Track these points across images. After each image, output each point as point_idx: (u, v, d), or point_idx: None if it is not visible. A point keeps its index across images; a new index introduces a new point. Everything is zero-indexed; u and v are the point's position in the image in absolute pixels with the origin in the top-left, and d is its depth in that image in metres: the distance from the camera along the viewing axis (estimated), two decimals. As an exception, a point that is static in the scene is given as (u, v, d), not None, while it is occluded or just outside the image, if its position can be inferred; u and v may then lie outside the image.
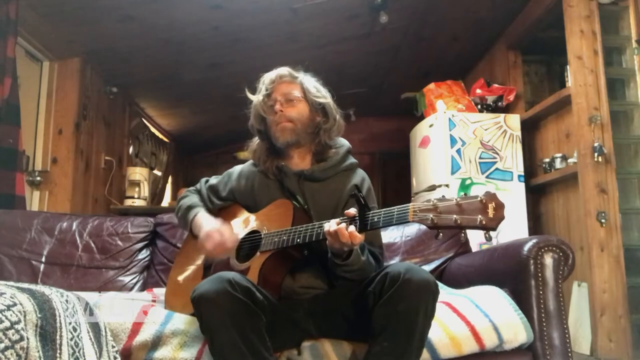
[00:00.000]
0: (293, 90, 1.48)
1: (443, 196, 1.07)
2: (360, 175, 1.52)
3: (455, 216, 1.02)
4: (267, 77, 1.50)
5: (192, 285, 1.44)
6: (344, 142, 1.56)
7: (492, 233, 1.02)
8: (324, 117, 1.49)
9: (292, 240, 1.27)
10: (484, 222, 0.99)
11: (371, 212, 1.18)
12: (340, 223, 1.19)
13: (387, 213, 1.14)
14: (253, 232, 1.42)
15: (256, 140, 1.57)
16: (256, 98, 1.50)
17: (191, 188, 1.67)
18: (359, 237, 1.18)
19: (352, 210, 1.20)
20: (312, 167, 1.47)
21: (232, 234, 1.40)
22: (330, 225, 1.20)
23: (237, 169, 1.62)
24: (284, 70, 1.50)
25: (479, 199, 1.01)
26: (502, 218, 1.00)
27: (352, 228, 1.17)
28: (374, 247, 1.42)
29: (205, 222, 1.45)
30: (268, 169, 1.50)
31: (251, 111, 1.53)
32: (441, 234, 1.07)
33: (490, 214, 1.00)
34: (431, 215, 1.05)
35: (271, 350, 1.15)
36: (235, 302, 1.09)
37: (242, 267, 1.34)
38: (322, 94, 1.51)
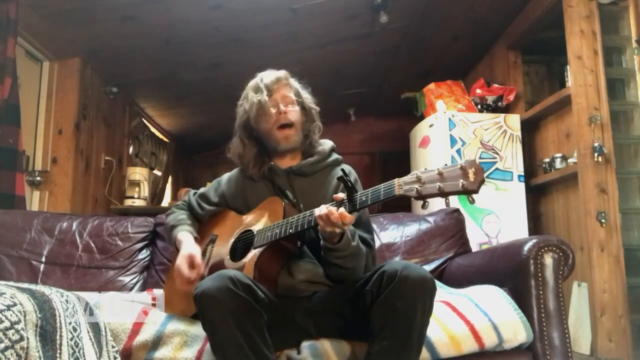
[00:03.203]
0: (290, 94, 1.51)
1: (425, 168, 1.12)
2: (346, 168, 1.54)
3: (438, 184, 1.06)
4: (267, 78, 1.50)
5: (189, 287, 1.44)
6: (327, 141, 1.61)
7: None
8: (311, 120, 1.54)
9: (285, 231, 1.29)
10: (466, 186, 1.03)
11: (359, 192, 1.20)
12: (330, 207, 1.21)
13: (374, 191, 1.17)
14: (246, 231, 1.43)
15: (236, 140, 1.56)
16: (261, 97, 1.47)
17: (179, 203, 1.69)
18: (349, 217, 1.19)
19: (341, 194, 1.22)
20: (300, 162, 1.51)
21: (197, 267, 1.38)
22: (321, 209, 1.21)
23: (225, 175, 1.65)
24: (281, 73, 1.52)
25: (459, 165, 1.06)
26: (483, 180, 1.04)
27: (342, 209, 1.19)
28: (366, 232, 1.44)
29: (182, 247, 1.44)
30: (257, 173, 1.52)
31: (247, 109, 1.51)
32: (427, 203, 1.11)
33: (471, 177, 1.04)
34: (416, 187, 1.09)
35: (272, 348, 1.16)
36: (237, 299, 1.10)
37: (236, 266, 1.35)
38: (311, 99, 1.56)
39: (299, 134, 1.50)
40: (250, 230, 1.41)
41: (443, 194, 1.06)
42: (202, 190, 1.66)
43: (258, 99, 1.47)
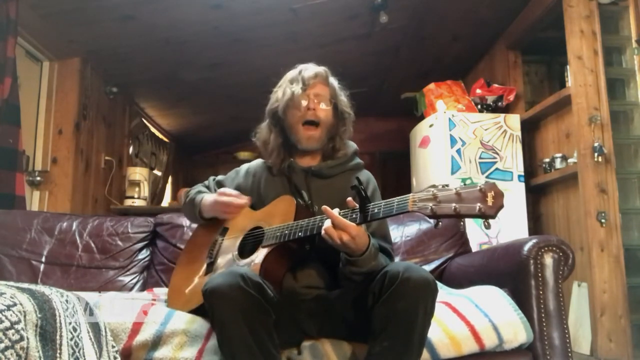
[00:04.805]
0: (325, 93, 1.48)
1: (443, 185, 1.07)
2: (365, 174, 1.54)
3: (454, 205, 1.02)
4: (306, 72, 1.48)
5: (194, 283, 1.44)
6: (351, 144, 1.58)
7: (491, 221, 1.02)
8: (342, 123, 1.52)
9: (294, 233, 1.28)
10: (483, 210, 0.99)
11: (371, 203, 1.18)
12: (341, 214, 1.20)
13: (388, 204, 1.14)
14: (256, 228, 1.43)
15: (265, 127, 1.55)
16: (295, 89, 1.46)
17: (200, 184, 1.69)
18: (345, 223, 1.17)
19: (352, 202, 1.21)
20: (320, 164, 1.49)
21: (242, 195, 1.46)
22: (328, 221, 1.19)
23: (244, 166, 1.64)
24: (321, 70, 1.50)
25: (478, 187, 1.01)
26: (502, 206, 1.00)
27: (340, 217, 1.18)
28: (386, 242, 1.42)
29: (214, 194, 1.50)
30: (277, 164, 1.51)
31: (279, 98, 1.49)
32: (440, 223, 1.07)
33: (489, 202, 1.00)
34: (431, 205, 1.05)
35: (278, 347, 1.16)
36: (247, 297, 1.09)
37: (243, 263, 1.35)
38: (346, 103, 1.53)
39: (324, 136, 1.48)
40: (261, 227, 1.40)
41: (458, 215, 1.02)
42: (220, 177, 1.66)
43: (292, 90, 1.45)
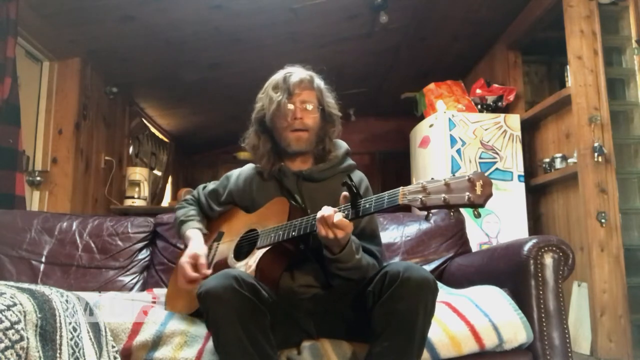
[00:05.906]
0: (312, 99, 1.47)
1: (432, 178, 1.08)
2: (358, 175, 1.53)
3: (443, 195, 1.03)
4: (290, 79, 1.45)
5: (192, 286, 1.44)
6: (342, 144, 1.56)
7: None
8: (330, 125, 1.50)
9: (288, 234, 1.28)
10: (472, 199, 1.00)
11: (362, 199, 1.18)
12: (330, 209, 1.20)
13: (378, 198, 1.15)
14: (251, 230, 1.43)
15: (252, 132, 1.54)
16: (280, 98, 1.43)
17: (188, 197, 1.67)
18: (346, 222, 1.18)
19: (346, 194, 1.21)
20: (311, 168, 1.48)
21: (201, 267, 1.36)
22: (323, 211, 1.20)
23: (235, 171, 1.63)
24: (305, 75, 1.47)
25: (466, 177, 1.03)
26: (490, 195, 1.01)
27: (339, 216, 1.18)
28: (374, 245, 1.42)
29: (190, 245, 1.44)
30: (267, 168, 1.50)
31: (264, 106, 1.48)
32: (431, 214, 1.09)
33: (478, 191, 1.01)
34: (420, 197, 1.06)
35: (275, 348, 1.16)
36: (242, 299, 1.10)
37: (239, 265, 1.35)
38: (334, 104, 1.51)
39: (313, 138, 1.46)
40: (255, 230, 1.41)
41: (448, 205, 1.03)
42: (210, 187, 1.64)
43: (278, 99, 1.43)
